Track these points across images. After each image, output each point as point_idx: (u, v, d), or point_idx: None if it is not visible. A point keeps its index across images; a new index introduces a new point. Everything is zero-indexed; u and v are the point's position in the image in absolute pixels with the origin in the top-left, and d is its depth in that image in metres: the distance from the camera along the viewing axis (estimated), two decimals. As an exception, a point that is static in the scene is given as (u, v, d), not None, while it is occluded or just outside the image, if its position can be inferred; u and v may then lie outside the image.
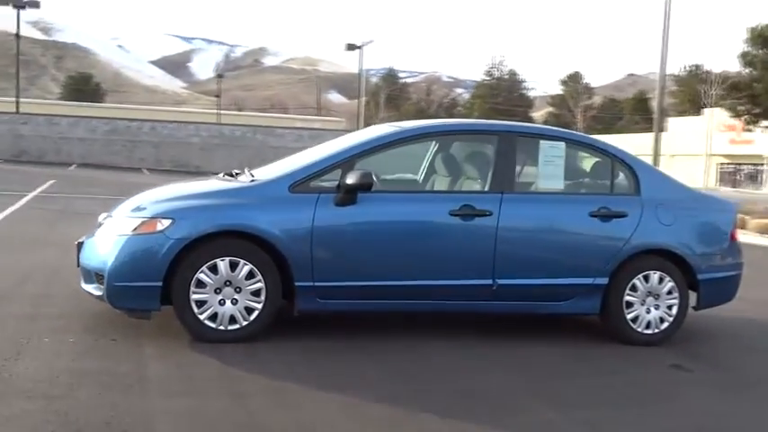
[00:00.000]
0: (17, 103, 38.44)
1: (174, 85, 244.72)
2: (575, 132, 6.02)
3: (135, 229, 4.82)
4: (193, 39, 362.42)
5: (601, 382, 4.66)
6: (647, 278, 5.54)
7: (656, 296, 5.58)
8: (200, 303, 4.80)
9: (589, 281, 5.43)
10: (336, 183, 5.02)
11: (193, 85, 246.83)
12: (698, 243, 5.71)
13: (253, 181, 5.24)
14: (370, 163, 5.28)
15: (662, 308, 5.60)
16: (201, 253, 4.78)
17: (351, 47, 43.09)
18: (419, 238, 5.17)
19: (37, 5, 39.16)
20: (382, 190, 5.26)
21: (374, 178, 4.96)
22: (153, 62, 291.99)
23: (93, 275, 4.98)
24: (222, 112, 71.60)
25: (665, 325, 5.61)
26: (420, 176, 6.11)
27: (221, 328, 4.84)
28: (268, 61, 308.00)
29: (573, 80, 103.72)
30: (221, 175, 5.79)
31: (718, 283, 5.82)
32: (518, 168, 5.54)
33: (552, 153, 5.56)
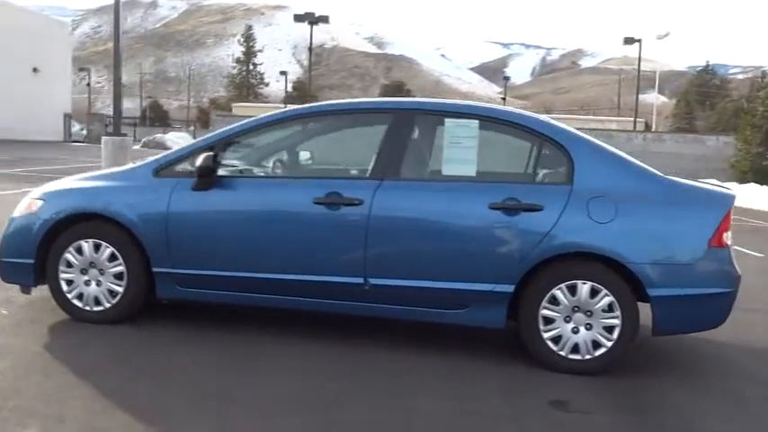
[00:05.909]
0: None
1: (489, 90, 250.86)
2: (496, 107, 4.95)
3: (20, 209, 5.09)
4: (511, 44, 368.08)
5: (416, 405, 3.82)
6: (572, 289, 4.42)
7: (588, 313, 4.42)
8: (69, 282, 4.91)
9: (487, 287, 4.46)
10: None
11: (509, 89, 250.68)
12: (652, 247, 4.40)
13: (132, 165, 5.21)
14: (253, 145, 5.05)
15: (596, 328, 4.42)
16: (69, 234, 4.88)
17: (629, 40, 40.33)
18: (278, 227, 4.70)
19: (326, 20, 42.98)
20: (248, 175, 4.94)
21: (212, 162, 4.64)
22: (472, 69, 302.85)
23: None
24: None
25: (602, 351, 4.42)
26: (307, 160, 5.51)
27: (87, 308, 4.89)
28: (585, 62, 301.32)
29: None
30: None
31: (687, 303, 4.42)
32: (413, 151, 4.76)
33: (460, 133, 4.67)
